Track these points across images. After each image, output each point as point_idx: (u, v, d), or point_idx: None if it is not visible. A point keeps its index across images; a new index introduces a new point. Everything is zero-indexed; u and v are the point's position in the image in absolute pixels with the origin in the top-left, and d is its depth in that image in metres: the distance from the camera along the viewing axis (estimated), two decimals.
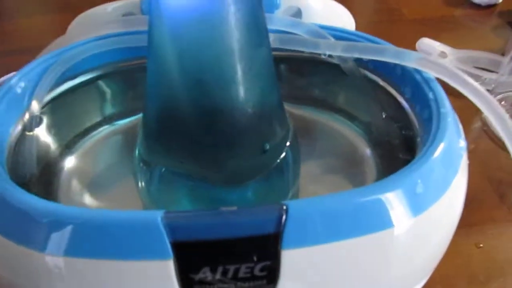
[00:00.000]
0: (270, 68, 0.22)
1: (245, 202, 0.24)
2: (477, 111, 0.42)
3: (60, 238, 0.17)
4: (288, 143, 0.24)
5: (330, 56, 0.27)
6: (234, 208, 0.18)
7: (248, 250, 0.17)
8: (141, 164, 0.25)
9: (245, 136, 0.22)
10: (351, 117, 0.29)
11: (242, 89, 0.21)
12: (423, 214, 0.19)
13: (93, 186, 0.26)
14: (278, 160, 0.23)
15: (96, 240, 0.17)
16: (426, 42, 0.46)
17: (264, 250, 0.17)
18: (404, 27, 0.53)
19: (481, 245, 0.29)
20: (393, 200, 0.18)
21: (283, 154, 0.23)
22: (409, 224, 0.18)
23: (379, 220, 0.18)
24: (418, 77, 0.24)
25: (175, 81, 0.21)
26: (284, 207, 0.17)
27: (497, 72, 0.43)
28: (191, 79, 0.20)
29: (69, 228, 0.17)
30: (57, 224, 0.17)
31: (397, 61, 0.24)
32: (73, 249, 0.17)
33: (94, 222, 0.17)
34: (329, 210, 0.18)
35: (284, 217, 0.17)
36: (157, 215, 0.17)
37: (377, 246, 0.18)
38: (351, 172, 0.27)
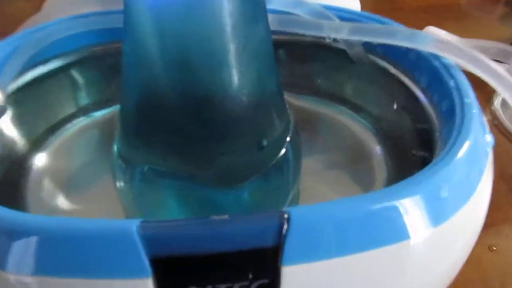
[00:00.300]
0: (268, 49, 0.19)
1: (239, 205, 0.21)
2: (486, 103, 0.40)
3: (22, 253, 0.15)
4: (288, 138, 0.21)
5: (335, 40, 0.25)
6: (226, 216, 0.15)
7: (242, 266, 0.15)
8: (120, 162, 0.22)
9: (239, 128, 0.19)
10: (358, 109, 0.26)
11: (236, 73, 0.18)
12: (446, 223, 0.17)
13: (67, 187, 0.24)
14: (277, 158, 0.20)
15: (62, 256, 0.15)
16: (431, 31, 0.43)
17: (261, 266, 0.15)
18: (407, 16, 0.51)
19: (495, 247, 0.27)
20: (412, 208, 0.16)
21: (283, 151, 0.21)
22: (428, 235, 0.16)
23: (395, 231, 0.16)
24: (436, 63, 0.22)
25: (156, 63, 0.18)
26: (285, 215, 0.15)
27: (507, 63, 0.41)
28: (175, 61, 0.18)
29: (31, 241, 0.15)
30: (17, 237, 0.15)
31: (410, 45, 0.22)
32: (37, 267, 0.15)
33: (58, 233, 0.15)
34: (337, 219, 0.15)
35: (285, 227, 0.15)
36: (132, 225, 0.15)
37: (392, 260, 0.16)
38: (358, 171, 0.25)
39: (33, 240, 0.15)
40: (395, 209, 0.16)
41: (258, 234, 0.15)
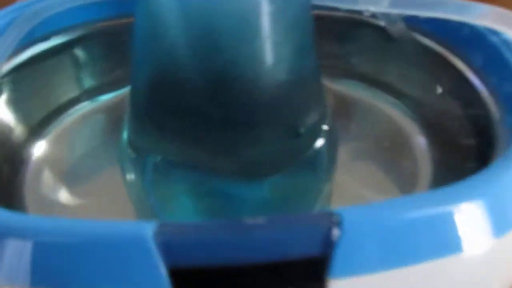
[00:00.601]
0: (308, 16, 0.17)
1: (266, 202, 0.19)
2: None
3: (16, 261, 0.13)
4: (325, 126, 0.18)
5: (373, 15, 0.23)
6: (260, 219, 0.13)
7: (281, 280, 0.13)
8: (130, 152, 0.20)
9: (273, 112, 0.16)
10: (398, 93, 0.24)
11: (270, 44, 0.15)
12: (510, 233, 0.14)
13: (69, 180, 0.22)
14: (313, 148, 0.18)
15: (62, 264, 0.13)
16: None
17: (304, 281, 0.13)
18: None
19: None
20: (474, 214, 0.14)
21: (319, 141, 0.18)
22: (490, 246, 0.14)
23: (455, 240, 0.14)
24: (494, 39, 0.20)
25: (175, 35, 0.16)
26: (336, 218, 0.13)
27: None
28: (198, 31, 0.15)
29: (27, 247, 0.13)
30: (9, 242, 0.13)
31: (463, 18, 0.19)
32: (34, 277, 0.13)
33: (58, 238, 0.13)
34: (397, 224, 0.13)
35: (335, 232, 0.13)
36: (147, 229, 0.12)
37: (451, 273, 0.14)
38: (398, 163, 0.22)
39: (28, 245, 0.13)
40: (460, 214, 0.13)
41: (302, 241, 0.12)
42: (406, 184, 0.21)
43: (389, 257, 0.13)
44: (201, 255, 0.12)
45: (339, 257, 0.12)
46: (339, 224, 0.12)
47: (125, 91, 0.24)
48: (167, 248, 0.12)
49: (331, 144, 0.19)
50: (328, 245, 0.12)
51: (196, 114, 0.17)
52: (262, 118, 0.16)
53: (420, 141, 0.22)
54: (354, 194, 0.21)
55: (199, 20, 0.15)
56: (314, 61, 0.17)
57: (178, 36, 0.15)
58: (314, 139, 0.18)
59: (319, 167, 0.19)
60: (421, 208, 0.13)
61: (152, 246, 0.12)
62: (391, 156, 0.22)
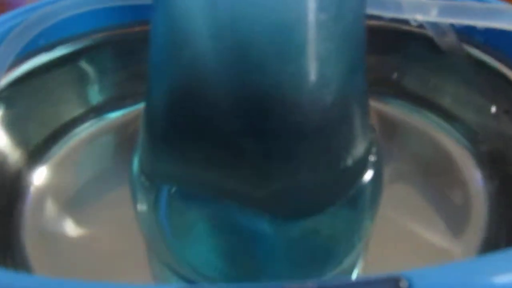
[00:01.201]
0: (361, 30, 0.14)
1: (296, 245, 0.16)
2: None
3: None
4: (372, 157, 0.16)
5: (420, 25, 0.20)
6: (309, 283, 0.10)
7: None
8: (142, 179, 0.18)
9: (316, 142, 0.14)
10: (448, 116, 0.22)
11: (318, 63, 0.13)
12: None
13: (74, 210, 0.21)
14: (359, 184, 0.15)
15: None
16: None
17: None
18: None
19: None
20: None
21: (367, 175, 0.15)
22: None
23: None
24: None
25: (201, 47, 0.13)
26: (404, 284, 0.10)
27: None
28: (231, 44, 0.13)
29: None
30: None
31: None
32: None
33: None
34: None
35: None
36: None
37: None
38: (447, 196, 0.20)
39: None
40: None
41: None
42: (456, 220, 0.19)
43: None
44: None
45: None
46: None
47: (136, 108, 0.22)
48: None
49: (377, 177, 0.16)
50: None
51: (224, 140, 0.14)
52: (303, 148, 0.14)
53: (473, 172, 0.20)
54: (395, 230, 0.19)
55: (232, 28, 0.12)
56: (363, 80, 0.15)
57: (206, 48, 0.13)
58: (361, 173, 0.15)
59: (363, 206, 0.16)
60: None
61: None
62: (439, 187, 0.20)
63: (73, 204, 0.21)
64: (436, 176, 0.21)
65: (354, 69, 0.14)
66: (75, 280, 0.11)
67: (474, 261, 0.11)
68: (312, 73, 0.12)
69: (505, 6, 0.18)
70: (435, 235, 0.19)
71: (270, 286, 0.10)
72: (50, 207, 0.20)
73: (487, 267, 0.11)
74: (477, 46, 0.20)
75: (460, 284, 0.10)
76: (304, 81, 0.12)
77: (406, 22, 0.20)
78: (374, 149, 0.16)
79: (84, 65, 0.23)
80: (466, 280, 0.10)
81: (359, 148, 0.15)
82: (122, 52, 0.23)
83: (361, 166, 0.15)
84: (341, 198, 0.15)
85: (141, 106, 0.19)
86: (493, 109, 0.20)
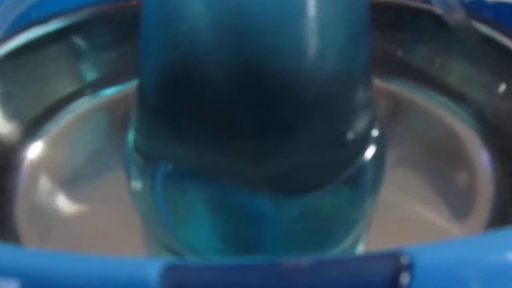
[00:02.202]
0: (363, 2, 0.14)
1: (296, 224, 0.16)
2: None
3: None
4: (374, 132, 0.15)
5: (426, 1, 0.20)
6: (307, 260, 0.10)
7: None
8: (137, 157, 0.18)
9: (316, 115, 0.13)
10: (455, 96, 0.21)
11: (318, 32, 0.12)
12: None
13: (68, 186, 0.20)
14: (361, 160, 0.15)
15: None
16: None
17: None
18: None
19: None
20: None
21: (369, 150, 0.15)
22: None
23: None
24: None
25: (196, 17, 0.13)
26: (405, 260, 0.10)
27: None
28: (226, 13, 0.12)
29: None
30: None
31: None
32: None
33: (40, 279, 0.10)
34: (487, 268, 0.10)
35: (404, 278, 0.10)
36: (150, 271, 0.10)
37: None
38: (452, 178, 0.20)
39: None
40: None
41: None
42: (461, 203, 0.18)
43: None
44: None
45: None
46: (409, 267, 0.09)
47: (132, 84, 0.21)
48: None
49: (379, 155, 0.16)
50: None
51: (220, 115, 0.14)
52: (302, 122, 0.13)
53: (480, 152, 0.19)
54: (398, 214, 0.19)
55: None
56: (367, 54, 0.14)
57: (200, 18, 0.12)
58: (363, 149, 0.15)
59: (364, 184, 0.16)
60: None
61: None
62: (445, 169, 0.20)
63: (67, 180, 0.21)
64: (441, 157, 0.20)
65: (356, 38, 0.13)
66: (59, 252, 0.10)
67: (478, 238, 0.11)
68: (311, 41, 0.12)
69: None
70: (439, 219, 0.18)
71: (264, 261, 0.10)
72: (44, 183, 0.20)
73: (492, 243, 0.10)
74: (486, 22, 0.20)
75: (464, 260, 0.10)
76: (301, 50, 0.12)
77: None
78: (376, 125, 0.15)
79: (79, 40, 0.22)
80: (470, 256, 0.10)
81: (360, 123, 0.14)
82: (119, 27, 0.22)
83: (363, 142, 0.15)
84: (342, 175, 0.15)
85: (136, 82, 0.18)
86: (502, 87, 0.20)
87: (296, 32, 0.12)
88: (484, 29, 0.20)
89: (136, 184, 0.18)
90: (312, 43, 0.12)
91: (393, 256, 0.10)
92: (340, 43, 0.13)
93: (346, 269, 0.10)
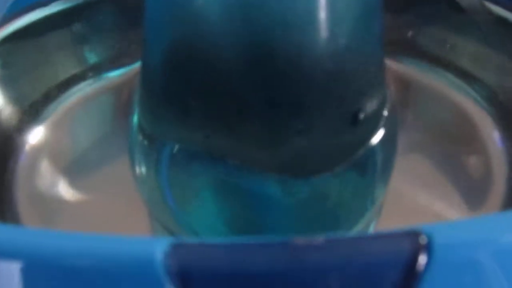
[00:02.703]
0: None
1: (306, 207, 0.16)
2: None
3: None
4: (385, 113, 0.15)
5: None
6: (319, 238, 0.09)
7: None
8: (142, 139, 0.17)
9: (327, 93, 0.13)
10: (468, 78, 0.20)
11: (329, 4, 0.11)
12: None
13: (71, 172, 0.20)
14: (372, 140, 0.14)
15: None
16: None
17: None
18: None
19: None
20: None
21: (380, 131, 0.15)
22: None
23: None
24: None
25: None
26: (423, 239, 0.09)
27: None
28: None
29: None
30: None
31: None
32: None
33: (46, 259, 0.10)
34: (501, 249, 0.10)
35: (423, 258, 0.09)
36: (156, 249, 0.09)
37: None
38: (465, 163, 0.19)
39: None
40: None
41: (375, 271, 0.09)
42: (475, 188, 0.18)
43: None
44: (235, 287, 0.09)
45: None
46: (427, 247, 0.09)
47: (136, 67, 0.21)
48: (182, 276, 0.09)
49: (391, 138, 0.15)
50: (412, 277, 0.09)
51: (228, 94, 0.14)
52: (313, 100, 0.13)
53: (494, 135, 0.19)
54: (410, 202, 0.18)
55: None
56: (379, 30, 0.14)
57: None
58: (374, 130, 0.14)
59: (374, 167, 0.15)
60: None
61: (161, 272, 0.09)
62: (456, 153, 0.19)
63: (69, 164, 0.20)
64: (453, 141, 0.20)
65: (369, 12, 0.13)
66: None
67: (498, 216, 0.10)
68: (321, 12, 0.11)
69: None
70: (452, 205, 0.18)
71: (275, 239, 0.09)
72: (44, 168, 0.20)
73: (510, 222, 0.10)
74: (498, 2, 0.19)
75: (483, 240, 0.09)
76: (312, 21, 0.11)
77: None
78: (387, 106, 0.15)
79: (81, 22, 0.22)
80: (490, 236, 0.10)
81: (372, 102, 0.14)
82: (122, 9, 0.22)
83: (374, 123, 0.14)
84: (352, 157, 0.14)
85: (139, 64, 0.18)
86: None
87: (306, 3, 0.11)
88: (497, 9, 0.19)
89: (141, 168, 0.18)
90: (323, 15, 0.12)
91: (411, 235, 0.09)
92: (352, 16, 0.12)
93: (361, 247, 0.09)
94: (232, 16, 0.12)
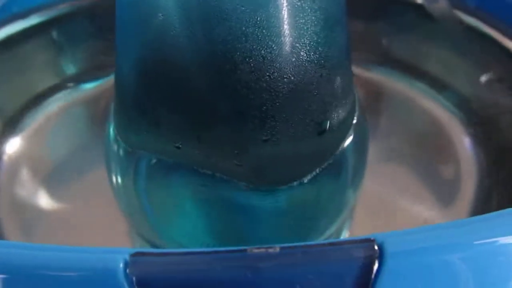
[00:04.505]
0: None
1: (281, 215, 0.16)
2: None
3: None
4: (354, 120, 0.15)
5: None
6: (275, 247, 0.10)
7: None
8: (117, 150, 0.17)
9: (293, 103, 0.13)
10: (438, 85, 0.21)
11: (292, 14, 0.12)
12: None
13: (48, 181, 0.20)
14: (340, 148, 0.14)
15: None
16: None
17: None
18: None
19: None
20: None
21: (349, 139, 0.15)
22: None
23: None
24: None
25: (168, 7, 0.12)
26: (375, 246, 0.10)
27: None
28: (198, 2, 0.12)
29: None
30: None
31: None
32: None
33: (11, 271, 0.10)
34: (456, 255, 0.10)
35: (374, 266, 0.09)
36: (117, 259, 0.09)
37: None
38: (437, 168, 0.19)
39: None
40: None
41: (330, 279, 0.09)
42: (445, 192, 0.18)
43: None
44: None
45: None
46: (379, 255, 0.09)
47: (112, 78, 0.21)
48: (142, 286, 0.09)
49: (361, 144, 0.16)
50: (365, 284, 0.09)
51: (195, 105, 0.14)
52: (277, 111, 0.13)
53: (464, 141, 0.19)
54: (383, 204, 0.18)
55: None
56: (345, 40, 0.14)
57: (170, 8, 0.12)
58: (342, 137, 0.15)
59: (346, 172, 0.16)
60: (487, 234, 0.10)
61: (122, 283, 0.09)
62: (428, 159, 0.20)
63: (47, 174, 0.20)
64: (425, 147, 0.20)
65: (333, 24, 0.13)
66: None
67: (445, 225, 0.10)
68: (284, 25, 0.11)
69: None
70: (424, 208, 0.18)
71: (233, 250, 0.10)
72: (23, 177, 0.20)
73: (461, 230, 0.10)
74: (469, 12, 0.20)
75: (434, 248, 0.10)
76: (275, 34, 0.12)
77: None
78: (356, 114, 0.15)
79: (59, 34, 0.22)
80: (440, 243, 0.10)
81: (340, 112, 0.14)
82: (98, 21, 0.22)
83: (343, 131, 0.14)
84: (323, 164, 0.14)
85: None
86: (486, 77, 0.19)
87: (266, 18, 0.11)
88: (468, 18, 0.19)
89: (118, 179, 0.18)
90: (283, 29, 0.12)
91: (367, 243, 0.10)
92: (313, 30, 0.12)
93: (315, 256, 0.09)
94: (194, 30, 0.12)
